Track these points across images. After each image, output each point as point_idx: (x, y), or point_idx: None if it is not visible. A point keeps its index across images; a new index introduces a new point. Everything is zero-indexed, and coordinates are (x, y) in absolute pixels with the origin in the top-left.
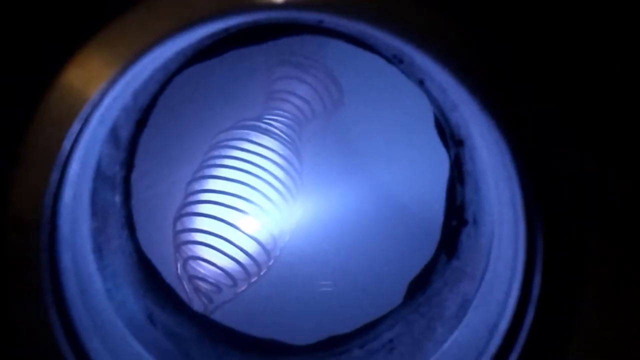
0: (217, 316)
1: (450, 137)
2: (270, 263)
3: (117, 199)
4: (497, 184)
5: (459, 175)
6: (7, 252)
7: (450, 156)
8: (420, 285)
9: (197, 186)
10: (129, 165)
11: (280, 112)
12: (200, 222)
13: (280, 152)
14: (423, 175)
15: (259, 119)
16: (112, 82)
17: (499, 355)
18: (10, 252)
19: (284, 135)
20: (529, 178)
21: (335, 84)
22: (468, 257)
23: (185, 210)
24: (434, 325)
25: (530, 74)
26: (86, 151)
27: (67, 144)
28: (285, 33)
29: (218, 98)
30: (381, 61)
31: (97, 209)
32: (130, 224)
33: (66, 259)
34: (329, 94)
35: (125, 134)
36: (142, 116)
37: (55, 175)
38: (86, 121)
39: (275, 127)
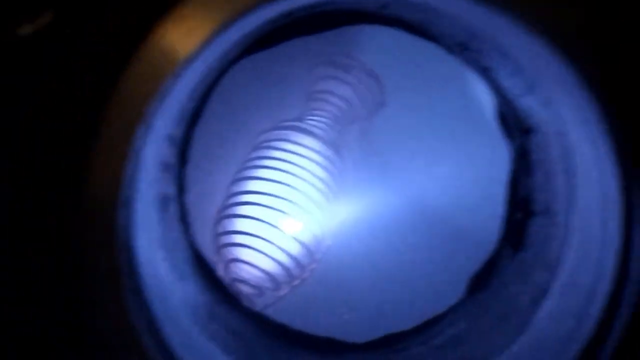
0: (273, 313)
1: (515, 126)
2: (313, 266)
3: (173, 190)
4: (585, 170)
5: (524, 166)
6: (85, 231)
7: (513, 147)
8: (483, 280)
9: (238, 188)
10: (183, 157)
11: (322, 113)
12: (242, 224)
13: (322, 152)
14: (465, 174)
15: (300, 119)
16: (208, 42)
17: (592, 343)
18: (89, 232)
19: (325, 136)
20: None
21: (377, 85)
22: (538, 248)
23: (226, 212)
24: (504, 317)
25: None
26: (158, 131)
27: (147, 117)
28: (343, 22)
29: (258, 99)
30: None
31: (160, 196)
32: (184, 219)
33: (141, 243)
34: (371, 95)
35: (181, 127)
36: (197, 107)
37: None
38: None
39: (317, 128)
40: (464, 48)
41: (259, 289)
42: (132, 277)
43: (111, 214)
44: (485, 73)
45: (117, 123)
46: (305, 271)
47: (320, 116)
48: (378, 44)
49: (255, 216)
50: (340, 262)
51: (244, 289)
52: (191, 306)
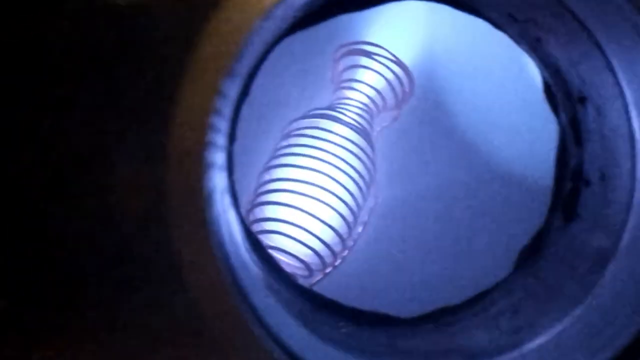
0: (322, 290)
1: (567, 97)
2: (345, 254)
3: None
4: None
5: (575, 136)
6: (173, 178)
7: (564, 119)
8: (535, 251)
9: (268, 176)
10: (231, 134)
11: (352, 101)
12: (273, 211)
13: (354, 140)
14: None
15: (331, 107)
16: None
17: None
18: (176, 178)
19: (356, 124)
20: None
21: (406, 74)
22: (596, 216)
23: (257, 200)
24: (561, 286)
25: None
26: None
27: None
28: None
29: (288, 87)
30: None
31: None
32: (233, 195)
33: (217, 197)
34: (400, 84)
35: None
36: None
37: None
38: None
39: (348, 116)
40: (514, 20)
41: (292, 276)
42: (214, 226)
43: (199, 156)
44: (535, 45)
45: (206, 63)
46: (337, 258)
47: (351, 104)
48: (420, 20)
49: (287, 203)
50: (387, 241)
51: None
52: (251, 275)
